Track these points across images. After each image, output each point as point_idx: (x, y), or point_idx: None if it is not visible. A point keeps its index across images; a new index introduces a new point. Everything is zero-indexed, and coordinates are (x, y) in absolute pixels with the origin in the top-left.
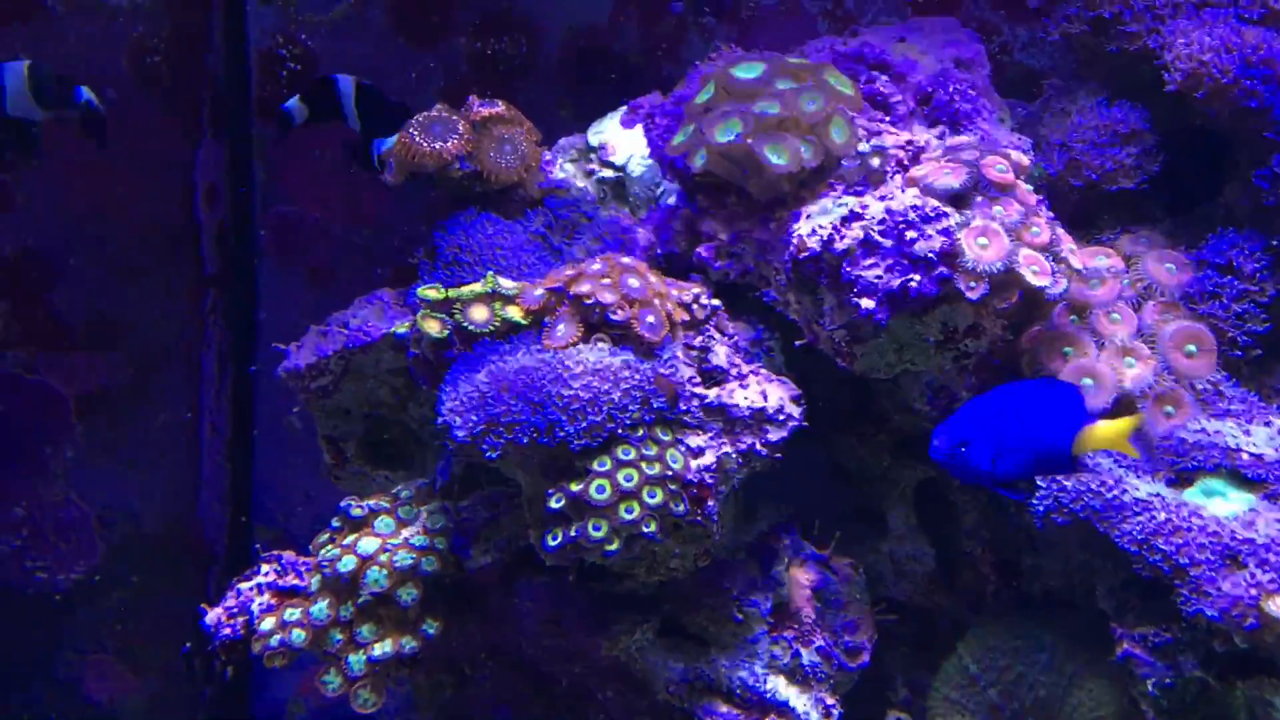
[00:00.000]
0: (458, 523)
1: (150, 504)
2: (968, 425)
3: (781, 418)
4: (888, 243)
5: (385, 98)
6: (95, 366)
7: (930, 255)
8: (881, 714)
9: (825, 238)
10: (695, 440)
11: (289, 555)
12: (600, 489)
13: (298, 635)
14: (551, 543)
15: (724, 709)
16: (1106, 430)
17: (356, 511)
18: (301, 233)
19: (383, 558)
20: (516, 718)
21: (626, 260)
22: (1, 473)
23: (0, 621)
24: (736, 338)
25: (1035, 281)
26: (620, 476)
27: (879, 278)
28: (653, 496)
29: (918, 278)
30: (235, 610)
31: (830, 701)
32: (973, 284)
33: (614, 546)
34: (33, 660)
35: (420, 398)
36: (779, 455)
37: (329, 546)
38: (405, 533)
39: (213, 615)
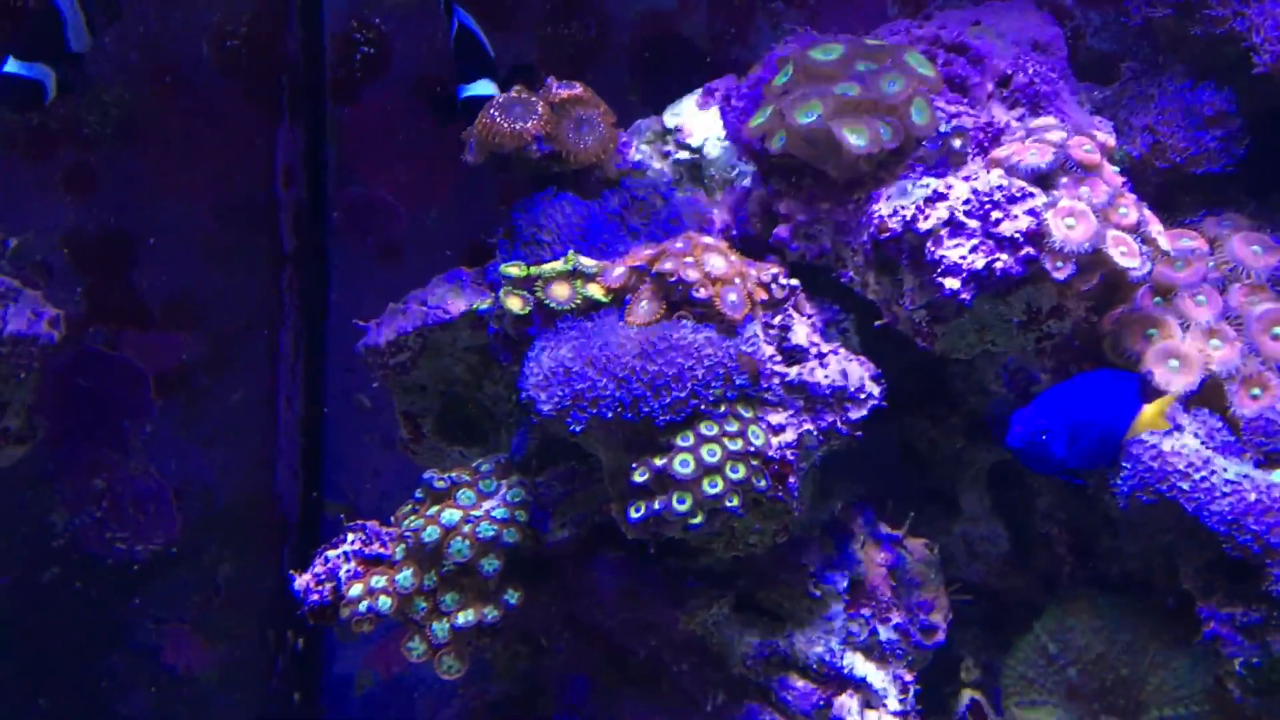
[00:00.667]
0: (536, 497)
1: (226, 478)
2: (1046, 414)
3: (862, 396)
4: (973, 223)
5: (480, 41)
6: (175, 344)
7: (1017, 236)
8: (954, 693)
9: (908, 218)
10: (776, 417)
11: (373, 525)
12: (684, 463)
13: (384, 602)
14: (634, 515)
15: (800, 683)
16: (1149, 412)
17: (439, 483)
18: (372, 214)
19: (465, 529)
20: (592, 688)
21: (708, 239)
22: (82, 446)
23: (81, 590)
24: (814, 318)
25: (1123, 263)
26: (704, 451)
27: (964, 258)
28: (735, 472)
29: (1004, 258)
30: (323, 576)
31: (908, 678)
32: (1060, 265)
33: (697, 520)
34: (112, 629)
35: (495, 375)
36: (859, 433)
37: (413, 517)
38: (486, 505)
39: (301, 581)
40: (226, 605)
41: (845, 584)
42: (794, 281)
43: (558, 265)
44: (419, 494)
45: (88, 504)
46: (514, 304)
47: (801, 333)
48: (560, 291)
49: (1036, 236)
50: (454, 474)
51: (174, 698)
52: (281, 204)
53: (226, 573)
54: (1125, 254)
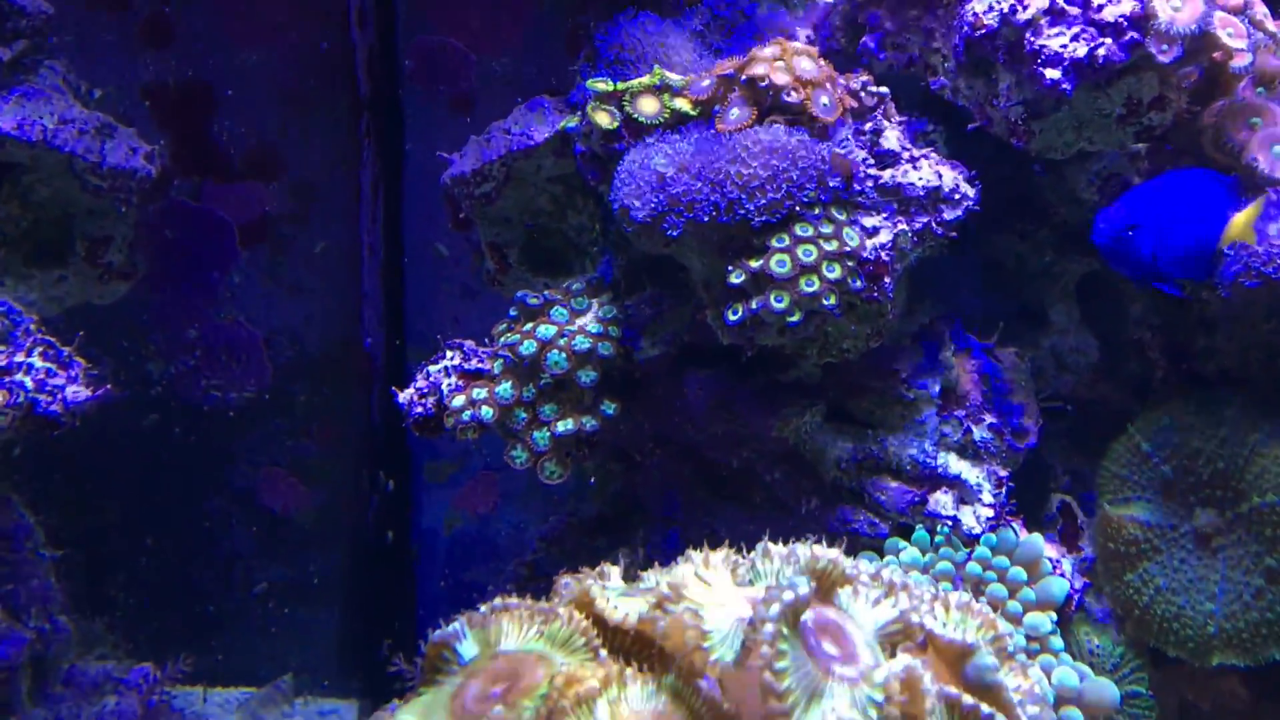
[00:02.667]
0: (625, 316)
1: (313, 326)
2: (1134, 210)
3: (957, 196)
4: (1074, 10)
5: None
6: (257, 194)
7: (1121, 20)
8: (1044, 499)
9: (1004, 11)
10: (870, 220)
11: (469, 343)
12: (781, 263)
13: (486, 411)
14: (732, 318)
15: (894, 484)
16: (1239, 220)
17: (533, 300)
18: (444, 61)
19: (561, 342)
20: (684, 502)
21: (798, 44)
22: (174, 297)
23: (181, 436)
24: (903, 128)
25: (1231, 44)
26: (800, 252)
27: (1064, 46)
28: (831, 271)
29: (1108, 42)
30: (426, 390)
31: (1003, 473)
32: (1165, 47)
33: (795, 318)
34: (211, 473)
35: (578, 206)
36: (954, 234)
37: (509, 333)
38: (580, 320)
39: (405, 395)
40: (320, 449)
41: (937, 389)
42: (883, 89)
43: (644, 80)
44: (513, 312)
45: (182, 352)
46: (602, 119)
47: (893, 137)
48: (647, 106)
49: (1141, 20)
50: (547, 292)
51: (274, 537)
52: (357, 47)
53: (318, 418)
54: (1233, 35)
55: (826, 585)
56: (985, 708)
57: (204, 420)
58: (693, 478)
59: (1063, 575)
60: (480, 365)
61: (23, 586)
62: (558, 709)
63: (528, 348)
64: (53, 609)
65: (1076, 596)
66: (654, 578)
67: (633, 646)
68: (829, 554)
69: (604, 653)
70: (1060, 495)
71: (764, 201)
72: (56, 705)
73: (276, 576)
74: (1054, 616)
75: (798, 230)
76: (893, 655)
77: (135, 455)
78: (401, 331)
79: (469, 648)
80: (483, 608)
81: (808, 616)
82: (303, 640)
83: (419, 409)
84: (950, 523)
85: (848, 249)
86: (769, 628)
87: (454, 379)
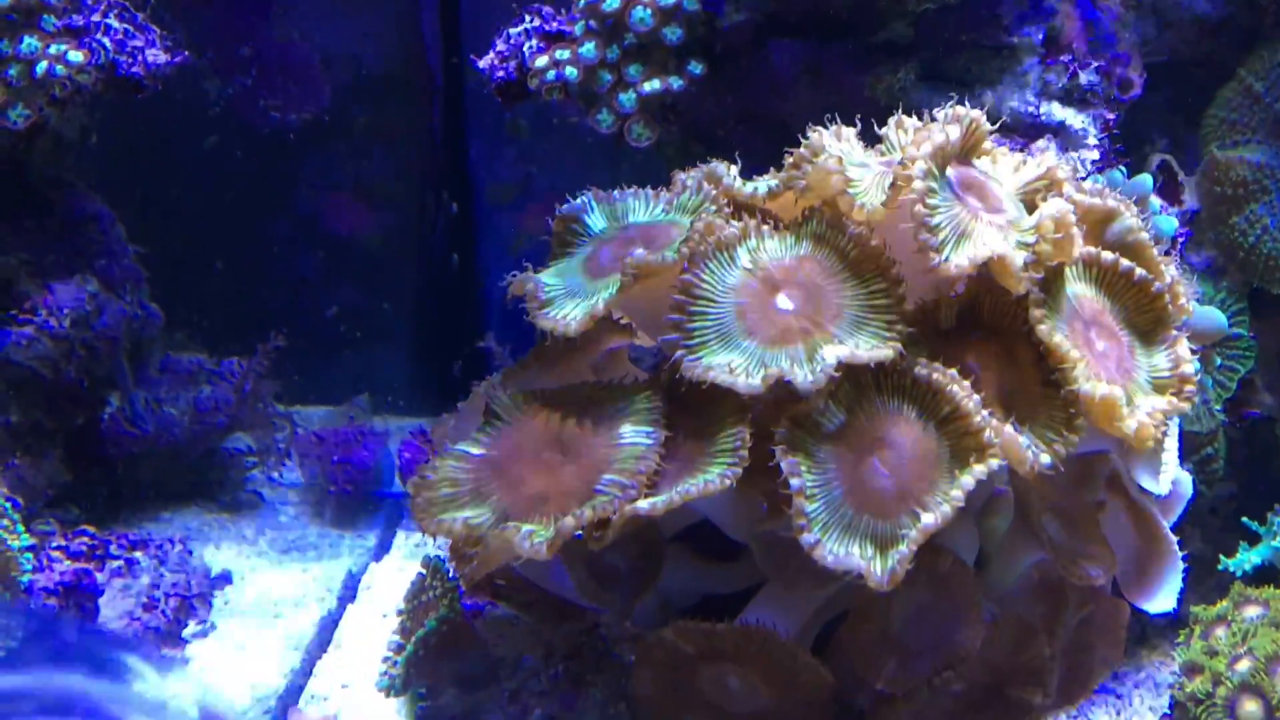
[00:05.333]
0: None
1: (370, 45)
2: None
3: None
4: None
5: None
6: None
7: None
8: (1142, 161)
9: None
10: None
11: (548, 8)
12: None
13: (570, 71)
14: None
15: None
16: None
17: None
18: None
19: None
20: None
21: None
22: (226, 13)
23: (243, 160)
24: None
25: None
26: None
27: None
28: None
29: None
30: (507, 54)
31: (1110, 116)
32: None
33: None
34: (275, 196)
35: None
36: None
37: None
38: None
39: (486, 60)
40: (383, 171)
41: (1040, 36)
42: None
43: None
44: None
45: (237, 70)
46: None
47: None
48: None
49: None
50: None
51: (341, 262)
52: None
53: (379, 140)
54: None
55: (971, 141)
56: (1126, 262)
57: (264, 143)
58: (775, 150)
59: (1171, 211)
60: (561, 27)
61: (116, 264)
62: (698, 252)
63: (610, 4)
64: (143, 294)
65: (1181, 240)
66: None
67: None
68: (973, 111)
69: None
70: (1160, 155)
71: None
72: (156, 388)
73: (345, 301)
74: None
75: None
76: None
77: (197, 178)
78: (459, 50)
79: (597, 220)
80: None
81: (951, 173)
82: (375, 362)
83: (500, 73)
84: None
85: None
86: (920, 164)
87: (535, 41)
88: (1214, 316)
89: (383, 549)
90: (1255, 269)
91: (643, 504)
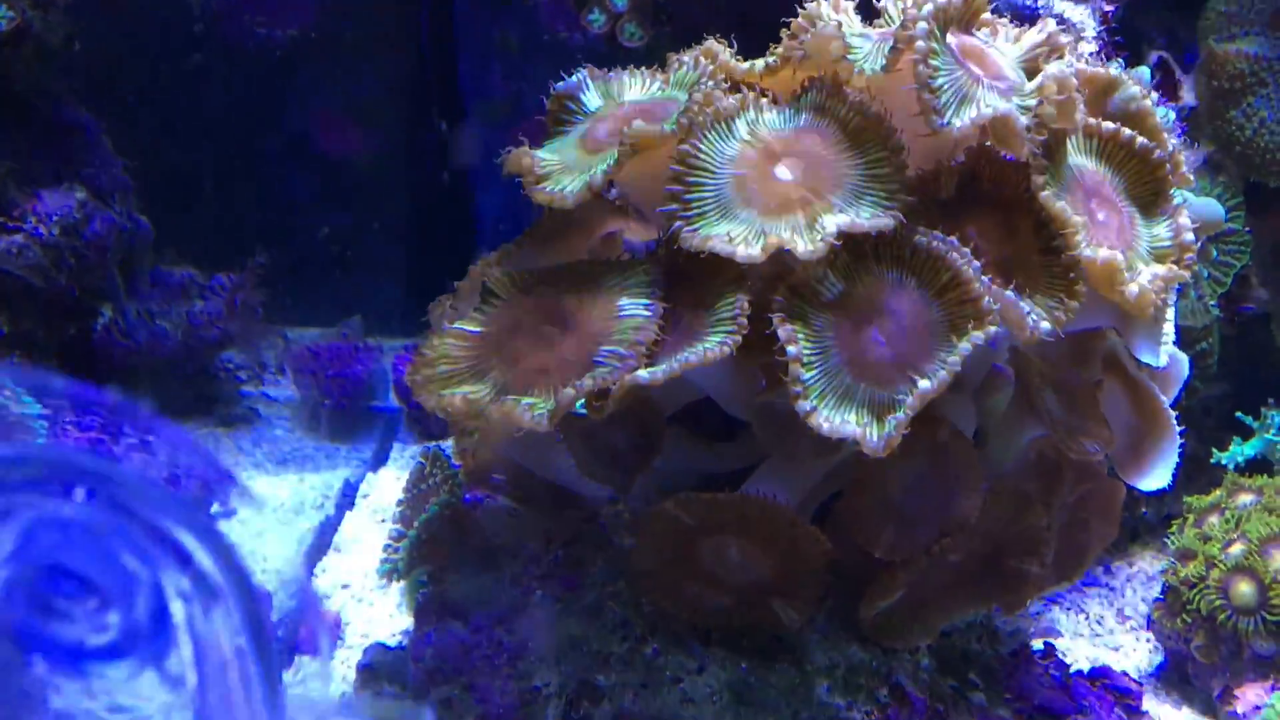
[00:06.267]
0: None
1: None
2: None
3: None
4: None
5: None
6: None
7: None
8: (1139, 58)
9: None
10: None
11: None
12: None
13: None
14: None
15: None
16: None
17: None
18: None
19: None
20: None
21: None
22: None
23: (229, 77)
24: None
25: None
26: None
27: None
28: None
29: None
30: None
31: (1109, 8)
32: None
33: None
34: (263, 116)
35: None
36: None
37: None
38: None
39: None
40: (371, 88)
41: None
42: None
43: None
44: None
45: None
46: None
47: None
48: None
49: None
50: None
51: (332, 181)
52: None
53: (367, 57)
54: None
55: (971, 8)
56: (1128, 131)
57: (250, 61)
58: None
59: (1168, 106)
60: None
61: (104, 173)
62: (696, 123)
63: None
64: (132, 205)
65: (1178, 137)
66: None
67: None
68: None
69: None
70: (1157, 52)
71: None
72: (147, 301)
73: (336, 222)
74: None
75: None
76: None
77: (184, 97)
78: None
79: (593, 98)
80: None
81: (951, 40)
82: (368, 284)
83: None
84: None
85: None
86: (922, 24)
87: None
88: (1212, 206)
89: (380, 460)
90: (1252, 163)
91: (643, 373)
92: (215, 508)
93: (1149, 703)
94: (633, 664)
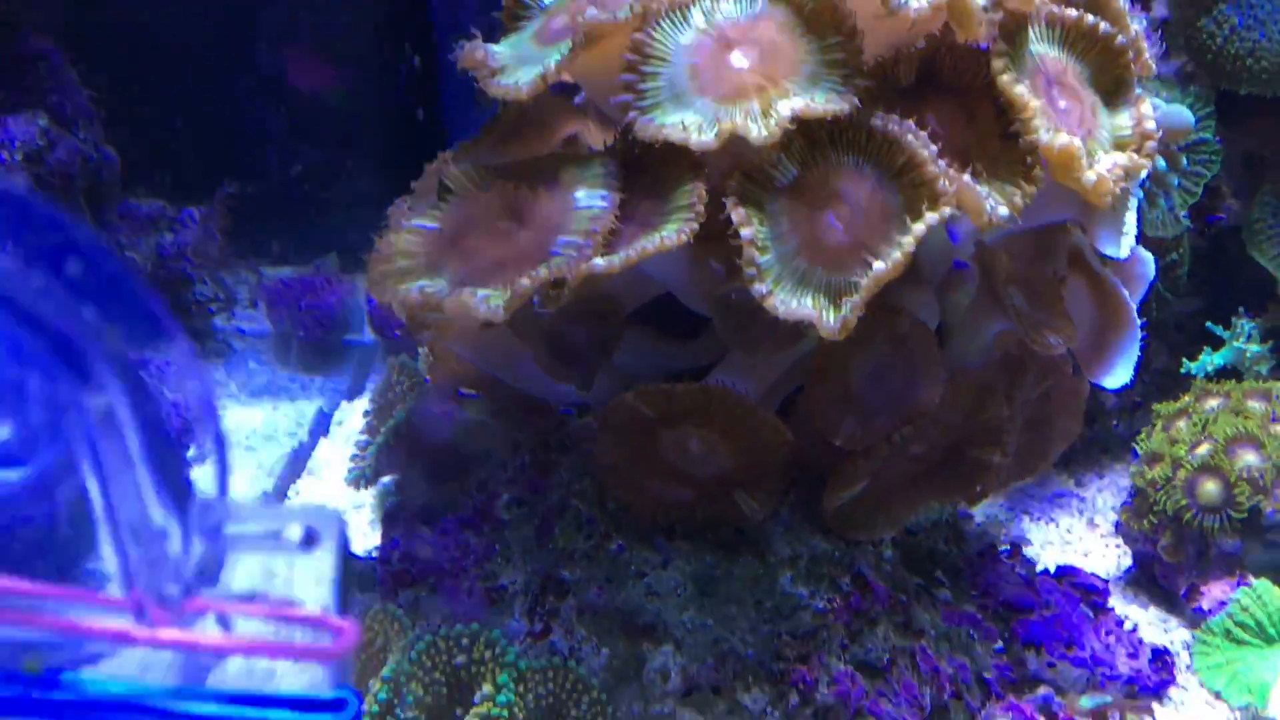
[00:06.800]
0: None
1: None
2: None
3: None
4: None
5: None
6: None
7: None
8: None
9: None
10: None
11: None
12: None
13: None
14: None
15: None
16: None
17: None
18: None
19: None
20: None
21: None
22: None
23: (197, 13)
24: None
25: None
26: None
27: None
28: None
29: None
30: None
31: None
32: None
33: None
34: (233, 53)
35: None
36: None
37: None
38: None
39: None
40: (342, 21)
41: None
42: None
43: None
44: None
45: None
46: None
47: None
48: None
49: None
50: None
51: (305, 118)
52: None
53: None
54: None
55: None
56: (1091, 17)
57: None
58: None
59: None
60: None
61: (68, 100)
62: (651, 10)
63: None
64: (99, 137)
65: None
66: None
67: None
68: None
69: None
70: None
71: None
72: (115, 233)
73: (312, 159)
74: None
75: None
76: None
77: (154, 29)
78: None
79: None
80: None
81: None
82: (342, 221)
83: None
84: None
85: None
86: None
87: None
88: (1182, 113)
89: (356, 392)
90: (1223, 70)
91: (599, 261)
92: (191, 451)
93: (1115, 602)
94: (598, 560)
